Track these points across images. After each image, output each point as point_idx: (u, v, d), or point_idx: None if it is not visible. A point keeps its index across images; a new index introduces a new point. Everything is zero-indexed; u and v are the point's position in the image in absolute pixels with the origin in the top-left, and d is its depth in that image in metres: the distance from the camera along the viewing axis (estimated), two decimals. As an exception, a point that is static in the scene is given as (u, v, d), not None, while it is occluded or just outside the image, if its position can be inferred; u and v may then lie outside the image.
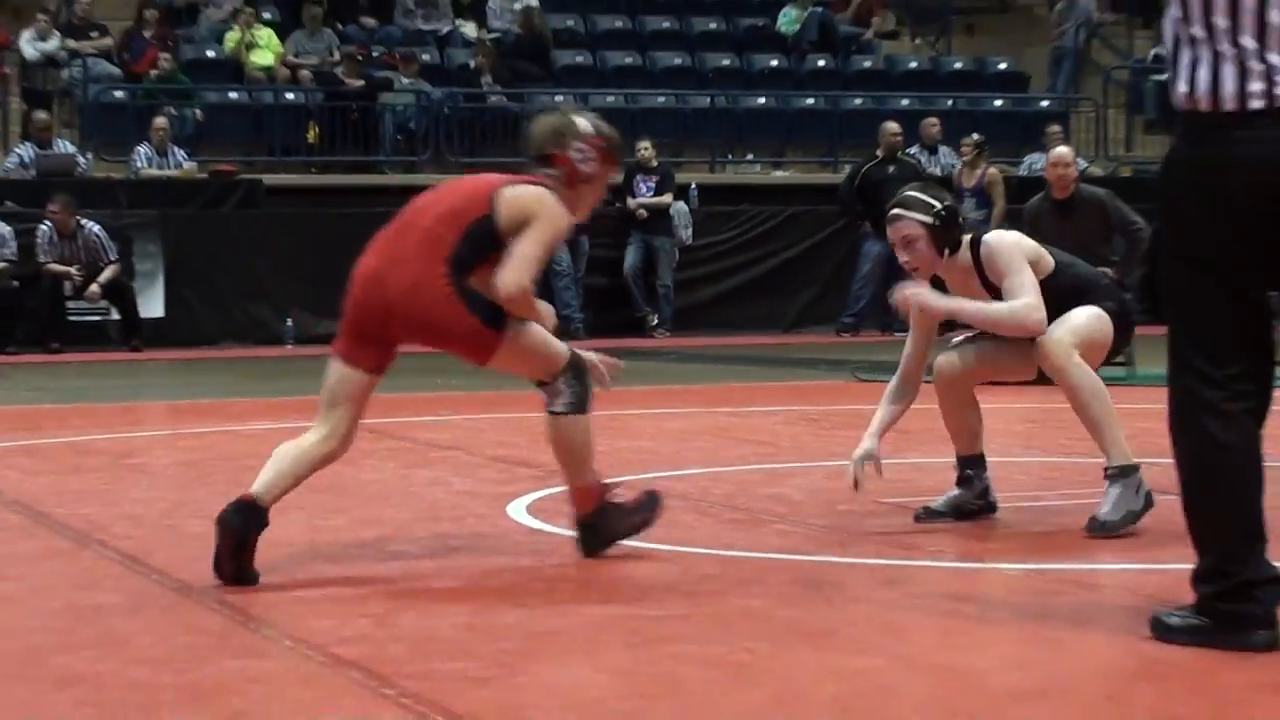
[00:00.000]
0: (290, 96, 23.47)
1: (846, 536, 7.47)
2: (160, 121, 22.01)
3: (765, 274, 22.41)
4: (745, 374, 16.56)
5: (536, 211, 6.90)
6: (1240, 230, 5.14)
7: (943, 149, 23.37)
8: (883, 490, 8.66)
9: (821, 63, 26.28)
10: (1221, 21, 5.14)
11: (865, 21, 27.52)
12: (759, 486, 8.93)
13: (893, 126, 21.92)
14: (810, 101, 25.57)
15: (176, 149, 22.03)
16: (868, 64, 26.69)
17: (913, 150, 22.68)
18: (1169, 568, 6.65)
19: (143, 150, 21.85)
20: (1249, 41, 5.12)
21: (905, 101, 25.23)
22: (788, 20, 26.77)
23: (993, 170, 21.54)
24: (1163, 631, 5.34)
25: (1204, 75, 5.16)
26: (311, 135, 23.29)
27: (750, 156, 24.89)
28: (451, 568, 6.83)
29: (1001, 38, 28.96)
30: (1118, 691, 4.90)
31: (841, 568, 6.77)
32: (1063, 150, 15.77)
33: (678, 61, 25.81)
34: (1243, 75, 5.12)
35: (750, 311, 22.28)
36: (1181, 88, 5.22)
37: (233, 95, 23.92)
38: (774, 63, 26.13)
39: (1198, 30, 5.18)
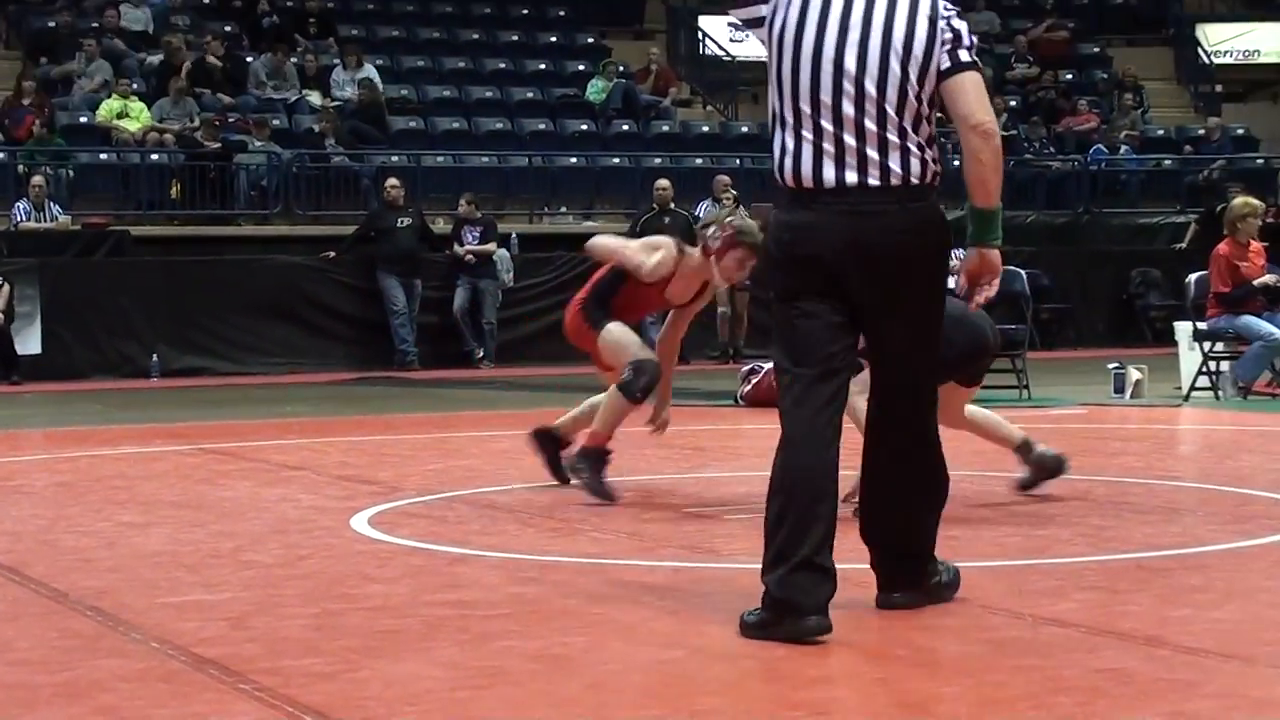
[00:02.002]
0: (155, 157, 23.18)
1: (652, 543, 7.45)
2: (38, 180, 21.71)
3: (578, 312, 22.38)
4: (561, 400, 16.48)
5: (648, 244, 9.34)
6: (808, 276, 5.51)
7: (741, 206, 23.33)
8: (682, 502, 8.67)
9: (625, 127, 26.32)
10: (805, 108, 5.49)
11: (663, 91, 27.61)
12: (574, 499, 8.89)
13: (662, 183, 22.07)
14: (615, 161, 25.60)
15: (53, 204, 21.73)
16: (665, 128, 26.76)
17: (705, 204, 22.74)
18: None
19: (22, 206, 21.54)
20: (827, 125, 5.45)
21: (698, 161, 25.33)
22: (595, 90, 26.81)
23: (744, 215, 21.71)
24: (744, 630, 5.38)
25: (789, 160, 5.55)
26: (174, 192, 23.06)
27: (563, 209, 24.87)
28: (300, 575, 6.74)
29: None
30: (891, 676, 4.91)
31: (647, 570, 6.75)
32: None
33: (499, 126, 25.77)
34: (818, 158, 5.47)
35: (565, 345, 22.02)
36: (775, 167, 5.63)
37: (103, 156, 23.60)
38: (583, 127, 26.14)
39: (788, 114, 5.54)
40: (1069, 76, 30.30)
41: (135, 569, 6.56)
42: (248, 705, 4.64)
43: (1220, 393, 14.74)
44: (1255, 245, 14.94)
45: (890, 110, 5.44)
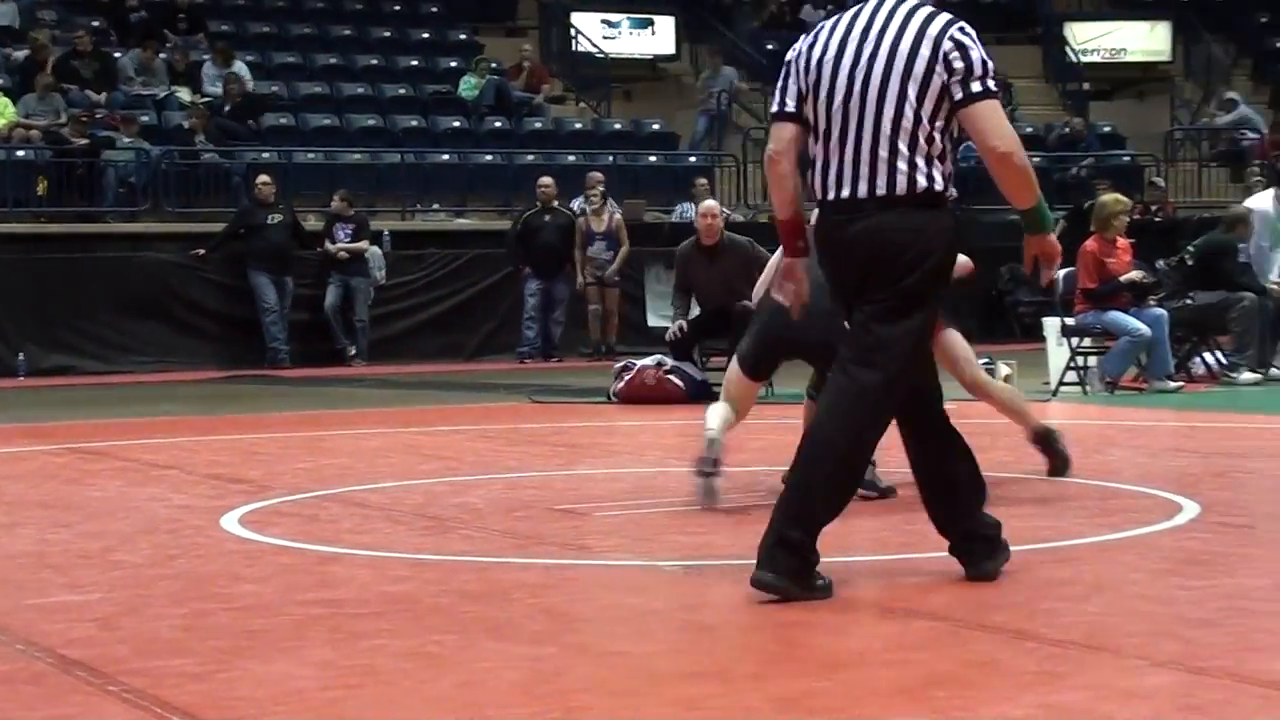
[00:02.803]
0: (21, 154, 22.89)
1: (523, 540, 7.43)
2: (-98, 177, 21.42)
3: (450, 309, 22.35)
4: (433, 398, 16.48)
5: None
6: (832, 280, 6.12)
7: (610, 202, 23.39)
8: (554, 499, 8.66)
9: (498, 124, 26.25)
10: (823, 124, 6.01)
11: (536, 88, 27.56)
12: (446, 497, 8.87)
13: (545, 180, 22.04)
14: (488, 158, 25.53)
15: (-82, 202, 21.44)
16: (538, 125, 26.72)
17: (578, 201, 22.74)
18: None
19: (-113, 204, 21.25)
20: (835, 141, 5.97)
21: (571, 158, 25.31)
22: (468, 87, 26.72)
23: (618, 216, 21.78)
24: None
25: (816, 174, 6.04)
26: (41, 188, 22.77)
27: (436, 206, 24.77)
28: (170, 575, 6.68)
29: (655, 102, 29.18)
30: (764, 672, 4.92)
31: (519, 567, 6.74)
32: (711, 203, 15.93)
33: (371, 123, 25.63)
34: (825, 172, 6.00)
35: (438, 342, 22.21)
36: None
37: (-32, 153, 23.31)
38: (456, 124, 26.05)
39: (819, 129, 6.03)
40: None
41: (1, 570, 6.47)
42: (116, 707, 4.59)
43: (1087, 387, 14.90)
44: (1122, 242, 15.12)
45: (886, 127, 5.89)
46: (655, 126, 27.37)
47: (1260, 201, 16.79)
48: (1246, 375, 15.84)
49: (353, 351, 21.52)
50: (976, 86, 5.94)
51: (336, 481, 9.53)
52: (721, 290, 15.01)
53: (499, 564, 6.82)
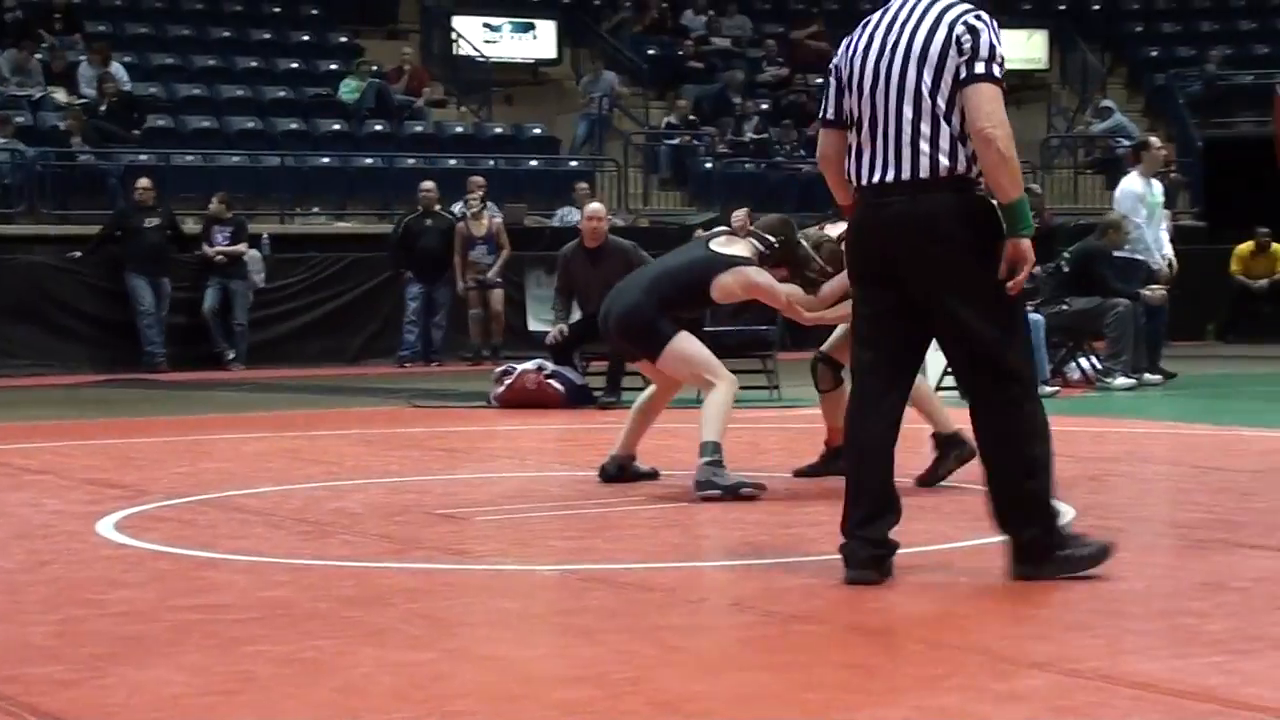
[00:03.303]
0: (-108, 154, 22.62)
1: (402, 545, 7.41)
2: None
3: (331, 313, 22.24)
4: (313, 402, 16.40)
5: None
6: (865, 265, 6.36)
7: (490, 205, 23.34)
8: (434, 504, 8.64)
9: (378, 127, 26.14)
10: (855, 112, 6.29)
11: (417, 92, 27.46)
12: (325, 501, 8.83)
13: (427, 184, 21.98)
14: (368, 161, 25.41)
15: None
16: (419, 128, 26.62)
17: (459, 205, 22.68)
18: (683, 565, 6.75)
19: None
20: (866, 128, 6.26)
21: (452, 162, 25.24)
22: (348, 89, 26.59)
23: (497, 220, 21.80)
24: None
25: (849, 160, 6.33)
26: (-86, 189, 22.50)
27: (316, 210, 24.65)
28: (43, 581, 6.61)
29: (536, 106, 29.16)
30: (643, 675, 4.93)
31: (399, 572, 6.72)
32: (596, 206, 15.97)
33: (251, 125, 25.46)
34: (859, 158, 6.28)
35: (318, 346, 22.09)
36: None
37: None
38: (336, 127, 25.92)
39: (852, 129, 6.31)
40: (819, 80, 30.69)
41: None
42: (-13, 715, 4.54)
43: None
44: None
45: (909, 113, 6.14)
46: (536, 131, 27.36)
47: (1129, 183, 16.96)
48: (1121, 380, 16.03)
49: (231, 355, 21.37)
50: (980, 68, 6.18)
51: (214, 486, 9.46)
52: (603, 293, 14.99)
53: (378, 569, 6.79)
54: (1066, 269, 16.55)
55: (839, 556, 6.30)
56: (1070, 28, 31.93)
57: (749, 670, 4.96)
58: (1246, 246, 24.93)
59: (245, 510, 8.53)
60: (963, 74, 6.15)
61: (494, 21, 29.56)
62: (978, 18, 6.26)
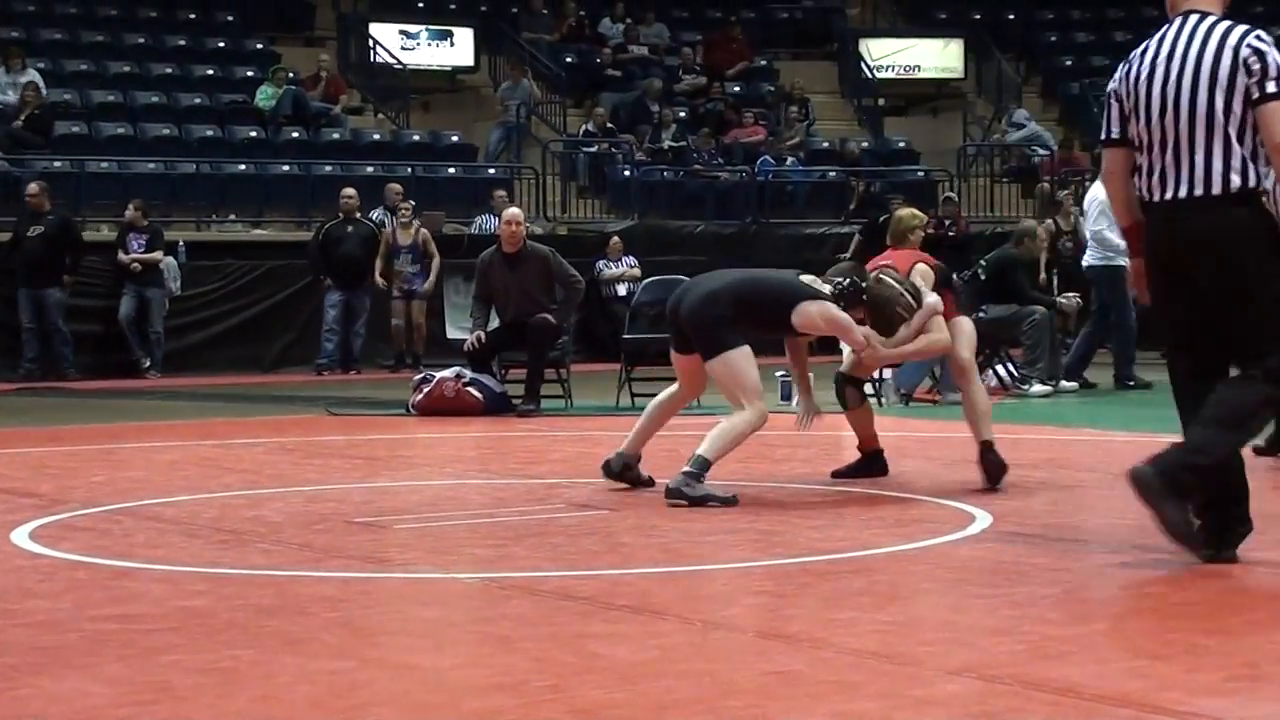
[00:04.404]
0: None
1: (321, 553, 7.38)
2: None
3: (247, 321, 22.12)
4: (230, 410, 16.31)
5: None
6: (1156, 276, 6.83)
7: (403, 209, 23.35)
8: (353, 512, 8.61)
9: (295, 134, 26.02)
10: (1144, 135, 6.78)
11: (334, 99, 27.35)
12: (243, 510, 8.78)
13: (349, 191, 21.90)
14: (285, 168, 25.29)
15: None
16: (336, 135, 26.51)
17: (377, 212, 22.63)
18: (603, 573, 6.75)
19: None
20: (1157, 148, 6.72)
21: (370, 169, 25.14)
22: (265, 96, 26.47)
23: (424, 230, 21.78)
24: None
25: (1139, 178, 6.80)
26: None
27: (232, 217, 24.51)
28: (-42, 591, 6.54)
29: (454, 114, 29.09)
30: (562, 684, 4.93)
31: (317, 581, 6.69)
32: (515, 211, 15.94)
33: (166, 132, 25.29)
34: (1149, 176, 6.75)
35: (234, 354, 21.97)
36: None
37: None
38: (253, 134, 25.78)
39: (1140, 151, 6.79)
40: (736, 89, 30.77)
41: None
42: (-99, 727, 4.49)
43: (883, 399, 15.07)
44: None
45: (1200, 134, 6.58)
46: (454, 138, 27.31)
47: (1096, 190, 16.98)
48: (1038, 387, 16.12)
49: (147, 363, 21.21)
50: (1271, 87, 6.53)
51: (131, 495, 9.40)
52: (521, 299, 15.02)
53: (296, 577, 6.76)
54: (983, 277, 16.63)
55: (753, 564, 6.32)
56: (986, 37, 32.11)
57: (668, 678, 4.97)
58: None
59: (162, 519, 8.47)
60: (1254, 94, 6.54)
61: (411, 29, 29.48)
62: (1259, 38, 6.64)
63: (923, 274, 9.65)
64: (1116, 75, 6.95)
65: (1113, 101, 6.94)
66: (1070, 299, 17.85)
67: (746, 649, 5.32)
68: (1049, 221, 21.81)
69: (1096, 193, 16.72)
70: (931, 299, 9.50)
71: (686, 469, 8.72)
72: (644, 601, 6.05)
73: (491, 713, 4.60)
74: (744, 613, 5.89)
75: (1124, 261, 16.91)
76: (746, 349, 8.99)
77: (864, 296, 9.28)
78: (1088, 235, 17.09)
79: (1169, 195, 6.66)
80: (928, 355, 9.76)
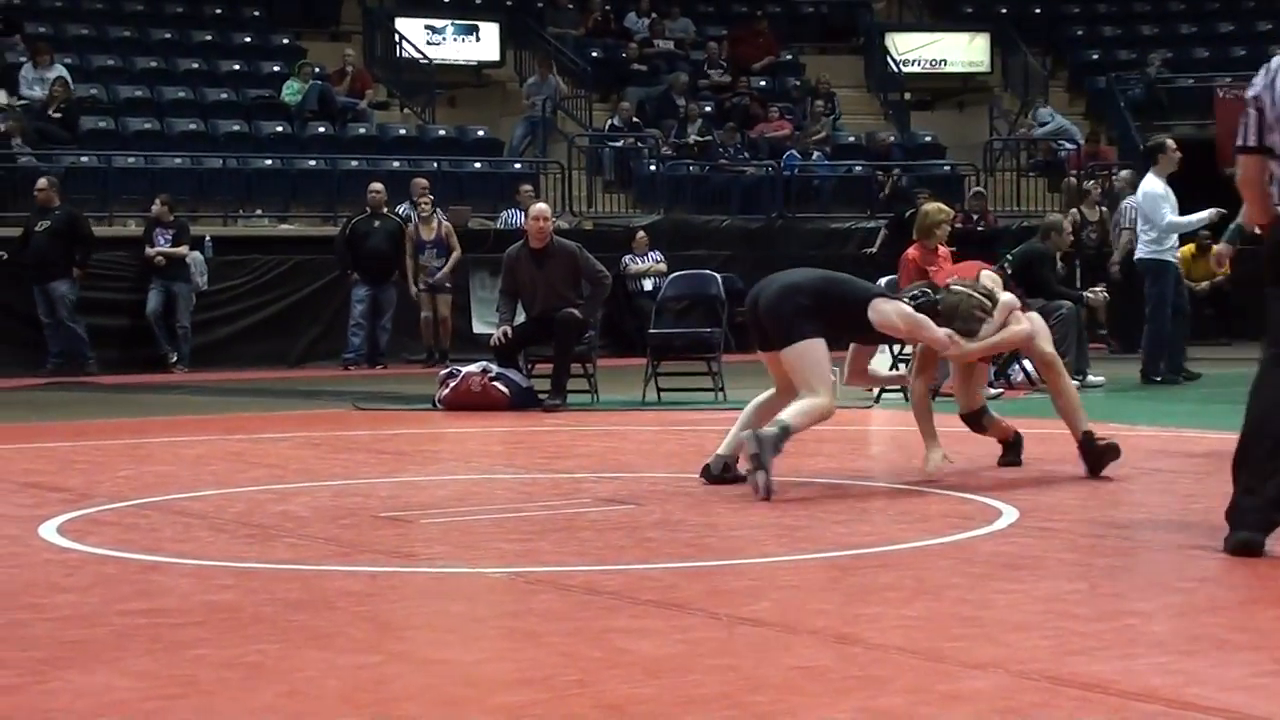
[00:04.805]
0: None
1: (348, 548, 7.39)
2: None
3: (274, 315, 22.20)
4: (257, 405, 16.35)
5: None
6: None
7: (437, 209, 23.38)
8: (379, 507, 8.62)
9: (321, 129, 26.08)
10: None
11: (360, 94, 27.41)
12: (269, 505, 8.80)
13: (376, 186, 21.98)
14: (311, 163, 25.36)
15: None
16: (362, 130, 26.57)
17: (402, 207, 22.67)
18: (629, 568, 6.75)
19: None
20: None
21: (396, 164, 25.19)
22: (291, 92, 26.53)
23: (446, 223, 21.81)
24: None
25: (1276, 188, 6.87)
26: None
27: (259, 212, 24.58)
28: (-14, 585, 6.56)
29: (479, 109, 29.12)
30: (589, 678, 4.92)
31: (344, 575, 6.70)
32: (542, 206, 15.94)
33: (193, 127, 25.37)
34: None
35: (261, 349, 22.04)
36: None
37: None
38: (279, 129, 25.85)
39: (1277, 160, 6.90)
40: (762, 83, 30.75)
41: None
42: (-71, 720, 4.51)
43: (907, 393, 15.03)
44: (943, 250, 15.29)
45: None
46: (480, 133, 27.34)
47: (1149, 184, 16.93)
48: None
49: (175, 358, 21.29)
50: None
51: (158, 490, 9.42)
52: (548, 294, 15.03)
53: (323, 572, 6.77)
54: (1009, 271, 16.59)
55: (779, 559, 6.31)
56: (1012, 31, 32.07)
57: (694, 673, 4.96)
58: (1188, 249, 25.03)
59: (189, 514, 8.49)
60: None
61: (437, 23, 29.52)
62: None
63: (990, 278, 9.71)
64: (1257, 83, 6.98)
65: (1252, 110, 6.97)
66: (1097, 293, 17.80)
67: (772, 644, 5.32)
68: (1074, 211, 21.78)
69: (1153, 186, 16.68)
70: (1007, 296, 9.56)
71: (773, 429, 8.78)
72: (670, 596, 6.05)
73: (518, 707, 4.60)
74: (770, 607, 5.88)
75: (1172, 257, 16.94)
76: (822, 341, 9.13)
77: (938, 307, 9.32)
78: (1139, 228, 17.03)
79: None
80: (1009, 347, 9.80)
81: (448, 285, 21.70)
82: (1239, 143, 7.03)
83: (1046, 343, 9.86)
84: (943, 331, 9.31)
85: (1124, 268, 17.08)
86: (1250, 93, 6.97)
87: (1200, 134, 27.24)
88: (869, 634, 5.39)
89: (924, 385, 9.79)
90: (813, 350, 9.09)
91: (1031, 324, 9.79)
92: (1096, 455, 9.48)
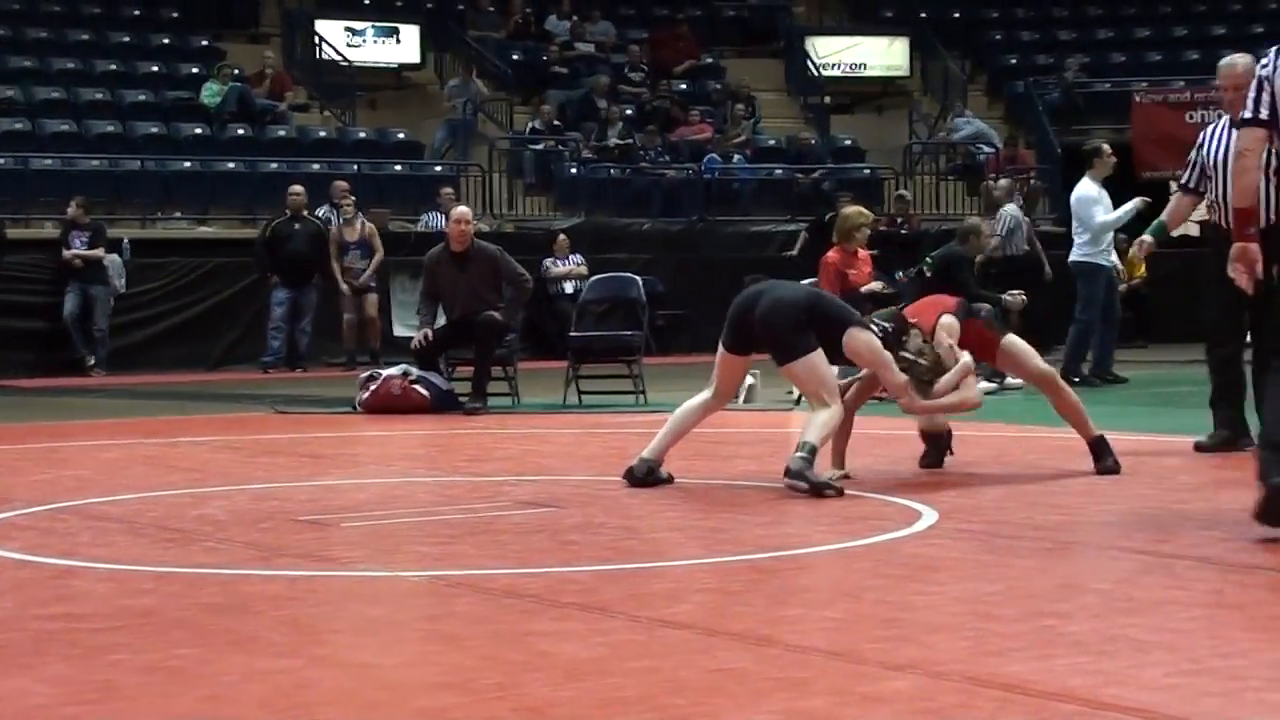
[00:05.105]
0: None
1: (268, 552, 7.36)
2: None
3: (193, 318, 22.08)
4: (176, 408, 16.25)
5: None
6: None
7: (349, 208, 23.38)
8: (299, 510, 8.59)
9: (240, 131, 25.96)
10: None
11: (279, 96, 27.30)
12: (188, 509, 8.75)
13: (296, 188, 21.90)
14: (231, 165, 25.24)
15: None
16: (282, 133, 26.46)
17: (322, 210, 22.60)
18: (550, 571, 6.74)
19: None
20: None
21: (316, 166, 25.11)
22: (210, 93, 26.39)
23: (370, 225, 21.76)
24: None
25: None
26: None
27: (178, 214, 24.45)
28: (-99, 590, 6.50)
29: (400, 112, 29.04)
30: (509, 681, 4.92)
31: (264, 579, 6.67)
32: (464, 209, 15.92)
33: (110, 129, 25.21)
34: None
35: (180, 352, 21.92)
36: None
37: None
38: (198, 131, 25.72)
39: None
40: (683, 86, 30.79)
41: None
42: None
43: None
44: (863, 253, 15.36)
45: None
46: (400, 135, 27.27)
47: (1084, 188, 17.00)
48: (983, 384, 16.12)
49: (92, 361, 21.14)
50: None
51: (75, 494, 9.35)
52: (469, 297, 15.01)
53: (243, 576, 6.74)
54: (929, 274, 16.67)
55: (700, 561, 6.32)
56: (931, 35, 32.21)
57: (615, 675, 4.97)
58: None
59: (106, 518, 8.44)
60: None
61: (357, 26, 29.43)
62: None
63: (948, 328, 9.72)
64: (1269, 63, 7.11)
65: (1263, 87, 7.10)
66: (1015, 296, 17.88)
67: (693, 646, 5.33)
68: (993, 220, 21.87)
69: (1087, 189, 16.76)
70: (966, 358, 9.63)
71: (800, 454, 8.88)
72: (591, 599, 6.05)
73: (438, 711, 4.59)
74: (691, 610, 5.89)
75: (1105, 261, 17.03)
76: (821, 353, 9.26)
77: (899, 351, 9.42)
78: (1073, 230, 17.09)
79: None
80: (958, 411, 9.86)
81: (372, 285, 21.65)
82: (1246, 114, 7.20)
83: (1038, 360, 10.03)
84: (902, 379, 9.41)
85: (984, 269, 17.13)
86: (1262, 71, 7.13)
87: (1117, 138, 27.38)
88: (789, 636, 5.40)
89: (853, 407, 9.79)
90: (816, 363, 9.25)
91: (1013, 346, 9.98)
92: (1110, 457, 9.63)
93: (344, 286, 21.44)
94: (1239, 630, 5.51)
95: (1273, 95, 7.05)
